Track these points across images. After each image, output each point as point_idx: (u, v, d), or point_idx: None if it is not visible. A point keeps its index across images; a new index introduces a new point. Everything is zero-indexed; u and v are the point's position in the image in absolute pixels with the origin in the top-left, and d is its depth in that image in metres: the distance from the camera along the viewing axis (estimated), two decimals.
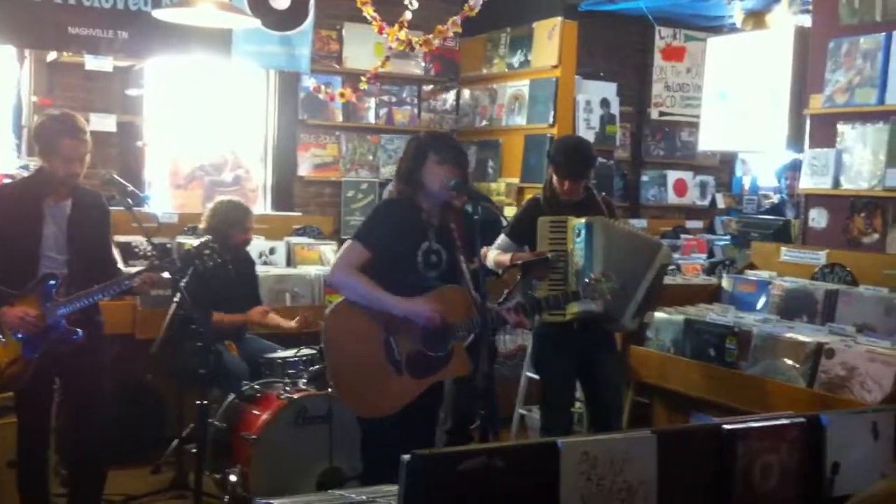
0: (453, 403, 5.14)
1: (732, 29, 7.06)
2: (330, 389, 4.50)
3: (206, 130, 7.08)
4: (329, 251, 6.61)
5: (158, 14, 5.19)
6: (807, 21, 5.76)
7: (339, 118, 7.54)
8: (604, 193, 4.84)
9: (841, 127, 5.08)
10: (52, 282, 3.99)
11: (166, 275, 4.22)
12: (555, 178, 4.53)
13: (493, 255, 4.60)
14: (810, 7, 5.63)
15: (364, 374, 3.61)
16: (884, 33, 4.88)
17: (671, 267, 6.16)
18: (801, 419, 2.13)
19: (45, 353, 3.97)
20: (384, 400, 3.60)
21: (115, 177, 4.36)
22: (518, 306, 3.78)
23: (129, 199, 4.25)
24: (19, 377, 3.96)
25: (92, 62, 6.09)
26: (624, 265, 4.26)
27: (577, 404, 5.03)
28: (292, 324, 5.35)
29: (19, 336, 3.93)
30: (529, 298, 4.04)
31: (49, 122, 4.13)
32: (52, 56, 6.26)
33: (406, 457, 1.81)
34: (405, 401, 3.61)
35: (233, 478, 4.60)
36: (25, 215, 4.03)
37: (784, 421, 2.13)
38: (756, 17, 6.76)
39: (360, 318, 3.61)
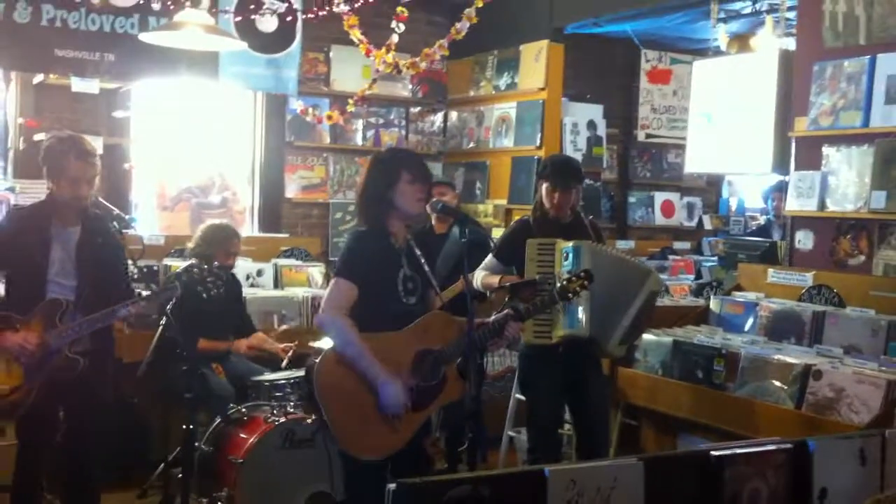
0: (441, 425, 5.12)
1: (717, 52, 7.11)
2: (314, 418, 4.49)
3: (192, 152, 7.07)
4: (317, 273, 6.60)
5: (145, 37, 5.19)
6: (791, 44, 5.81)
7: (327, 140, 7.55)
8: (591, 217, 4.85)
9: (826, 149, 5.11)
10: (57, 308, 3.98)
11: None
12: (545, 193, 4.54)
13: (481, 276, 4.60)
14: (794, 30, 5.67)
15: (365, 419, 3.49)
16: (868, 56, 4.91)
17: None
18: (789, 445, 2.13)
19: (47, 380, 3.94)
20: (390, 438, 3.51)
21: (101, 199, 4.33)
22: (508, 316, 3.73)
23: (115, 222, 4.21)
24: (21, 403, 3.94)
25: (78, 84, 6.08)
26: (611, 290, 4.26)
27: (566, 426, 5.02)
28: (281, 350, 5.33)
29: (21, 362, 3.92)
30: (516, 306, 3.98)
31: (56, 144, 4.15)
32: (38, 78, 6.25)
33: (392, 486, 1.79)
34: (410, 433, 3.55)
35: (220, 502, 4.56)
36: (34, 240, 4.04)
37: (771, 447, 2.13)
38: (741, 41, 6.82)
39: (349, 364, 3.50)
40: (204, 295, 4.28)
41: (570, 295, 3.96)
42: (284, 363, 5.24)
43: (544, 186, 4.56)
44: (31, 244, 4.04)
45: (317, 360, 3.54)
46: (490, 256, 4.66)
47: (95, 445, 4.24)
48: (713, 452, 2.07)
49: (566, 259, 4.29)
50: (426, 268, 3.69)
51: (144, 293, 4.25)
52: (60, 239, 4.08)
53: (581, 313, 4.23)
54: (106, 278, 4.17)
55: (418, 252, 3.71)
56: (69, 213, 4.10)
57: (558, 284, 4.01)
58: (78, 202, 4.08)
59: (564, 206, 4.53)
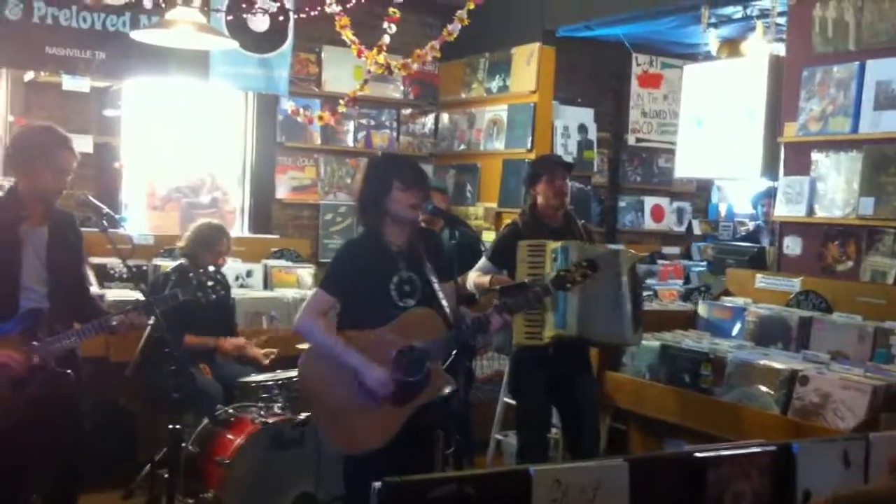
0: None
1: (708, 56, 7.13)
2: (303, 416, 4.50)
3: (183, 152, 7.05)
4: (307, 274, 6.58)
5: (136, 35, 5.19)
6: (781, 49, 5.83)
7: (318, 141, 7.55)
8: (583, 221, 4.87)
9: (815, 155, 5.13)
10: (39, 319, 3.73)
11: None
12: (545, 186, 4.59)
13: (474, 276, 4.64)
14: (785, 36, 5.69)
15: (347, 412, 3.56)
16: (857, 62, 4.94)
17: (648, 293, 6.20)
18: (773, 447, 2.14)
19: (31, 398, 3.68)
20: (372, 433, 3.54)
21: (91, 198, 4.19)
22: (496, 309, 3.73)
23: (105, 221, 3.95)
24: (5, 417, 3.66)
25: (69, 82, 6.08)
26: (603, 287, 4.26)
27: (554, 430, 5.03)
28: (262, 356, 5.32)
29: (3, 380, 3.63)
30: (506, 300, 3.97)
31: (34, 134, 3.90)
32: (29, 76, 6.24)
33: (377, 484, 1.80)
34: (393, 430, 3.55)
35: (206, 503, 4.55)
36: (2, 243, 3.74)
37: (755, 449, 2.13)
38: (731, 45, 6.83)
39: (331, 360, 3.58)
40: (203, 301, 4.16)
41: (567, 285, 3.91)
42: (266, 362, 5.23)
43: (544, 180, 4.60)
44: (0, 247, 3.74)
45: (300, 361, 3.62)
46: (484, 259, 4.69)
47: (79, 461, 4.05)
48: (697, 454, 2.08)
49: (555, 260, 4.31)
50: (429, 268, 3.67)
51: (125, 294, 4.12)
52: (31, 240, 3.79)
53: (570, 313, 4.24)
54: (74, 279, 3.98)
55: (422, 254, 3.70)
56: (37, 211, 3.81)
57: (553, 274, 3.99)
58: (57, 196, 3.84)
59: (567, 192, 4.63)
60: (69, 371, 3.78)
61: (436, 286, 3.65)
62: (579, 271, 3.90)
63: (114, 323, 3.86)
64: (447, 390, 3.58)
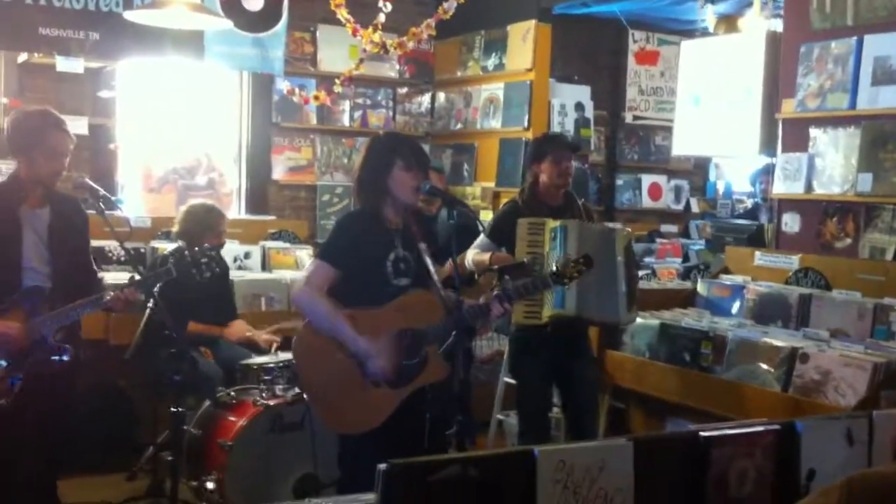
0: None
1: (705, 33, 7.10)
2: (296, 391, 4.50)
3: (178, 133, 7.02)
4: (304, 255, 6.57)
5: (130, 15, 5.15)
6: (779, 25, 5.80)
7: (314, 121, 7.51)
8: (583, 200, 4.87)
9: (813, 131, 5.12)
10: (39, 295, 3.83)
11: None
12: (550, 165, 4.57)
13: (473, 254, 4.63)
14: (782, 11, 5.67)
15: (342, 392, 3.55)
16: (855, 38, 4.92)
17: (646, 272, 6.20)
18: (776, 426, 2.14)
19: (32, 371, 3.79)
20: (366, 414, 3.54)
21: (87, 180, 4.19)
22: (497, 297, 3.74)
23: (102, 204, 4.03)
24: (5, 394, 3.77)
25: (63, 63, 6.02)
26: (596, 261, 4.26)
27: (555, 409, 5.04)
28: (265, 341, 5.30)
29: (3, 353, 3.75)
30: (506, 286, 3.99)
31: (30, 118, 3.97)
32: (22, 57, 6.19)
33: (382, 466, 1.79)
34: (387, 412, 3.55)
35: (209, 485, 4.56)
36: (2, 224, 3.84)
37: (759, 428, 2.14)
38: (728, 22, 6.81)
39: (327, 338, 3.55)
40: (197, 278, 4.15)
41: (564, 281, 3.97)
42: (272, 351, 5.22)
43: (549, 159, 4.57)
44: (1, 229, 3.83)
45: (294, 337, 3.61)
46: (483, 236, 4.68)
47: (62, 444, 4.11)
48: (701, 433, 2.08)
49: (554, 239, 4.32)
50: (423, 248, 3.66)
51: (123, 277, 4.15)
52: (31, 222, 3.89)
53: (569, 293, 4.25)
54: (78, 262, 4.06)
55: (416, 233, 3.69)
56: (37, 194, 3.91)
57: (554, 268, 4.01)
58: (55, 178, 3.91)
59: (571, 173, 4.63)
60: (68, 346, 3.86)
61: (430, 266, 3.64)
62: (576, 268, 3.93)
63: (107, 298, 3.89)
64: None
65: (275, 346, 5.25)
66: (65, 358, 3.87)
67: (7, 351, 3.76)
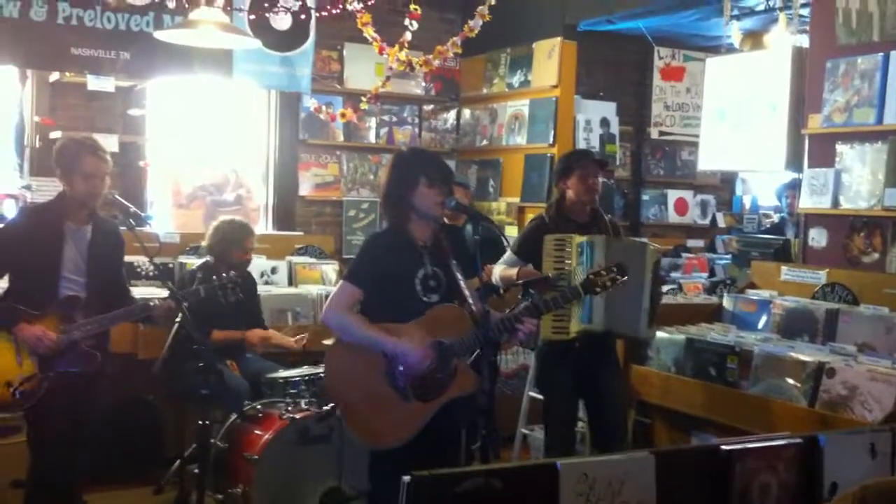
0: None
1: (731, 49, 7.10)
2: (328, 407, 4.52)
3: (207, 150, 7.11)
4: (331, 270, 6.62)
5: (160, 35, 5.23)
6: (804, 41, 5.80)
7: (340, 138, 7.58)
8: (609, 216, 4.87)
9: (840, 147, 5.11)
10: (75, 304, 4.09)
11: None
12: (578, 181, 4.58)
13: (499, 269, 4.65)
14: (808, 27, 5.66)
15: (373, 407, 3.57)
16: (881, 53, 4.91)
17: (672, 286, 6.18)
18: (799, 439, 2.14)
19: (61, 372, 4.02)
20: (396, 428, 3.56)
21: (117, 197, 4.44)
22: (526, 310, 3.75)
23: (132, 220, 4.31)
24: (32, 394, 4.00)
25: (94, 82, 6.13)
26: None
27: (580, 424, 5.04)
28: (293, 342, 5.34)
29: (36, 355, 4.00)
30: (534, 299, 3.99)
31: (70, 143, 4.31)
32: (54, 76, 6.29)
33: (406, 478, 1.81)
34: (418, 426, 3.57)
35: (235, 498, 4.59)
36: (47, 237, 4.14)
37: (782, 441, 2.14)
38: (754, 38, 6.80)
39: (358, 352, 3.58)
40: (223, 301, 4.44)
41: (596, 289, 3.96)
42: (301, 346, 5.26)
43: (577, 175, 4.58)
44: (44, 241, 4.13)
45: (327, 351, 3.66)
46: (510, 252, 4.70)
47: (89, 445, 4.32)
48: (724, 447, 2.09)
49: (581, 254, 4.33)
50: (454, 265, 3.67)
51: (152, 292, 4.35)
52: (73, 237, 4.19)
53: (596, 308, 4.26)
54: (112, 278, 4.36)
55: (447, 249, 3.69)
56: (81, 213, 4.22)
57: (583, 277, 4.02)
58: (93, 199, 4.19)
59: (598, 189, 4.65)
60: (97, 352, 4.13)
61: (461, 282, 3.65)
62: (609, 276, 3.93)
63: (152, 304, 4.27)
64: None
65: (304, 342, 5.29)
66: (91, 364, 4.11)
67: (41, 354, 4.00)
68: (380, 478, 3.63)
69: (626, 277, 3.97)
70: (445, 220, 5.82)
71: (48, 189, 5.73)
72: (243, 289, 4.54)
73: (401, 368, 3.56)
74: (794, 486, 2.11)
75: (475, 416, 3.75)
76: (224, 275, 4.51)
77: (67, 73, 6.20)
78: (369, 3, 6.00)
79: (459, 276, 3.64)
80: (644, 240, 4.72)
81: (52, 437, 4.11)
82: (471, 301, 3.61)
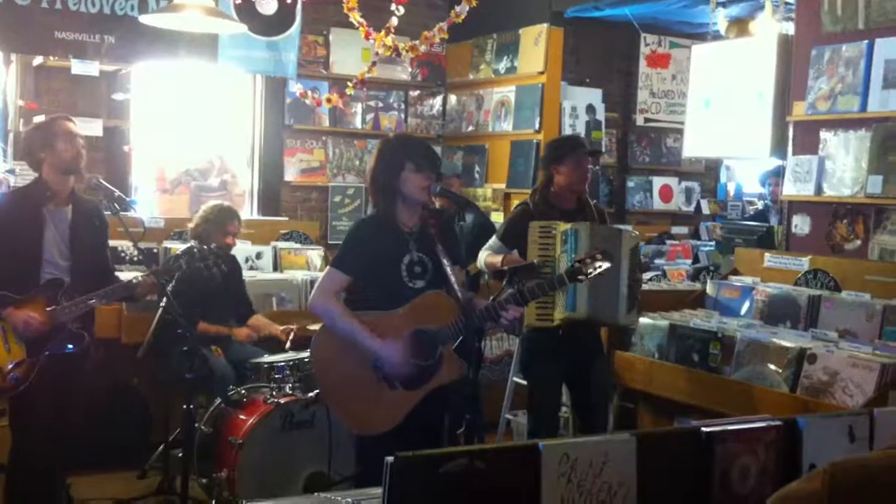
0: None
1: (717, 36, 7.11)
2: (313, 393, 4.53)
3: (192, 135, 7.08)
4: (316, 256, 6.62)
5: (145, 19, 5.21)
6: (790, 29, 5.80)
7: (326, 123, 7.56)
8: (594, 201, 4.88)
9: (823, 134, 5.12)
10: (59, 287, 4.07)
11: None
12: (572, 168, 4.57)
13: (484, 255, 4.65)
14: (794, 15, 5.67)
15: (358, 393, 3.59)
16: (866, 41, 4.92)
17: (656, 273, 6.21)
18: (778, 422, 2.15)
19: (49, 356, 4.03)
20: (381, 415, 3.57)
21: (101, 181, 4.38)
22: (511, 297, 3.76)
23: (116, 204, 4.26)
24: (22, 380, 4.00)
25: (78, 66, 6.09)
26: None
27: (563, 409, 5.06)
28: (280, 331, 5.32)
29: (24, 339, 4.00)
30: (519, 287, 3.99)
31: (39, 122, 4.33)
32: (38, 60, 6.26)
33: (389, 459, 1.82)
34: (402, 413, 3.58)
35: (219, 482, 4.60)
36: (27, 220, 4.11)
37: (762, 424, 2.15)
38: (740, 25, 6.82)
39: (344, 341, 3.60)
40: (205, 272, 4.33)
41: (580, 277, 3.94)
42: (287, 346, 5.24)
43: (570, 162, 4.57)
44: (24, 226, 4.11)
45: (313, 337, 3.66)
46: (494, 239, 4.70)
47: (73, 429, 4.31)
48: (704, 429, 2.10)
49: (565, 242, 4.34)
50: (440, 250, 3.67)
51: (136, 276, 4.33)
52: (54, 220, 4.16)
53: (580, 295, 4.27)
54: (96, 260, 4.31)
55: (434, 235, 3.69)
56: (61, 194, 4.18)
57: (567, 265, 4.02)
58: (78, 162, 4.17)
59: (589, 177, 4.67)
60: (84, 332, 4.15)
61: (447, 268, 3.65)
62: (592, 263, 3.87)
63: (134, 282, 4.23)
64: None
65: (291, 335, 5.28)
66: (79, 345, 4.12)
67: (29, 337, 4.00)
68: (367, 461, 3.65)
69: (609, 264, 3.96)
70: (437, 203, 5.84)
71: (32, 174, 5.70)
72: (229, 270, 4.48)
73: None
74: (774, 469, 2.13)
75: (460, 402, 3.76)
76: (204, 247, 4.44)
77: (51, 57, 6.17)
78: None
79: (446, 262, 3.65)
80: (622, 226, 4.70)
81: (35, 422, 4.11)
82: (456, 287, 3.62)
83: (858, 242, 4.95)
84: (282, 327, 5.34)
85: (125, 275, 5.38)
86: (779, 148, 5.64)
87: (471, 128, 7.74)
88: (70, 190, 4.21)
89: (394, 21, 6.15)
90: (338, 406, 3.72)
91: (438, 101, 8.03)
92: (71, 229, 4.18)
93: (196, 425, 4.63)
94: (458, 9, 6.16)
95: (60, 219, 4.17)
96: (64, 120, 4.24)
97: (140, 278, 4.25)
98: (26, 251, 4.09)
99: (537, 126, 7.03)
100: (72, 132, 4.18)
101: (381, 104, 7.76)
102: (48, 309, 4.03)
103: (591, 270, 3.90)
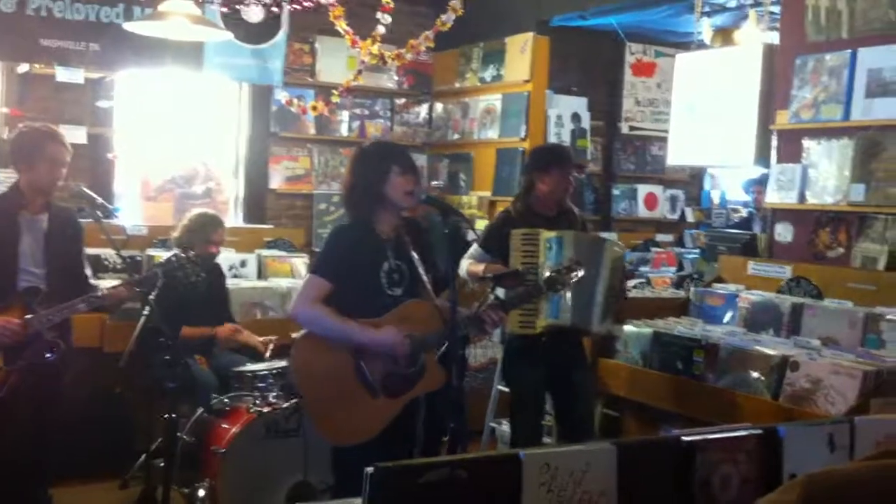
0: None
1: (701, 45, 7.14)
2: (296, 401, 4.51)
3: (177, 143, 7.06)
4: (301, 264, 6.60)
5: (130, 26, 5.19)
6: (774, 38, 5.84)
7: (312, 131, 7.55)
8: (578, 210, 4.89)
9: (807, 142, 5.15)
10: (35, 295, 4.06)
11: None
12: (554, 180, 4.56)
13: (466, 264, 4.65)
14: (778, 24, 5.70)
15: (340, 403, 3.54)
16: (849, 50, 4.95)
17: (640, 280, 6.22)
18: (759, 431, 2.15)
19: (26, 364, 4.01)
20: (364, 425, 3.53)
21: (84, 189, 4.39)
22: (493, 305, 3.77)
23: (99, 212, 4.27)
24: (1, 387, 3.97)
25: (63, 74, 6.08)
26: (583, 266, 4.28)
27: (547, 417, 5.06)
28: (260, 342, 5.31)
29: (1, 347, 3.97)
30: (501, 295, 4.03)
31: (29, 131, 4.24)
32: (23, 67, 6.24)
33: (369, 469, 1.81)
34: (384, 422, 3.55)
35: (201, 492, 4.57)
36: (2, 228, 4.09)
37: (742, 432, 2.15)
38: (724, 34, 6.85)
39: (326, 347, 3.55)
40: (185, 281, 4.29)
41: (558, 287, 3.99)
42: (267, 354, 5.22)
43: (555, 172, 4.57)
44: (1, 233, 4.10)
45: (293, 347, 3.62)
46: (476, 246, 4.69)
47: (56, 436, 4.31)
48: (685, 437, 2.10)
49: (549, 249, 4.34)
50: (416, 258, 3.67)
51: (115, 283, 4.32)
52: (29, 228, 4.15)
53: (563, 302, 4.28)
54: (71, 268, 4.30)
55: (409, 243, 3.70)
56: (37, 202, 4.18)
57: (546, 275, 4.04)
58: (54, 186, 4.17)
59: (572, 188, 4.67)
60: (59, 341, 4.11)
61: (422, 275, 3.66)
62: (567, 275, 3.96)
63: (99, 294, 4.18)
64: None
65: (270, 346, 5.26)
66: (56, 353, 4.10)
67: (6, 344, 3.97)
68: (344, 471, 3.61)
69: (581, 273, 3.99)
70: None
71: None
72: (211, 279, 4.45)
73: (369, 366, 3.55)
74: (755, 478, 2.13)
75: (443, 409, 3.76)
76: (185, 255, 4.36)
77: (36, 65, 6.15)
78: None
79: (421, 270, 3.65)
80: (607, 235, 4.72)
81: (14, 431, 4.08)
82: (432, 295, 3.63)
83: (841, 250, 4.97)
84: (261, 338, 5.32)
85: (107, 283, 5.37)
86: (762, 156, 5.66)
87: (456, 136, 7.75)
88: (46, 199, 4.22)
89: (380, 29, 6.16)
90: (317, 416, 3.65)
91: (425, 109, 8.04)
92: (46, 237, 4.18)
93: (178, 434, 4.60)
94: (444, 17, 6.17)
95: (36, 227, 4.17)
96: (59, 144, 4.19)
97: (106, 291, 4.21)
98: (2, 259, 4.08)
99: (523, 134, 7.04)
100: (57, 160, 4.16)
101: (367, 112, 7.77)
102: (26, 317, 4.00)
103: (567, 280, 3.95)
